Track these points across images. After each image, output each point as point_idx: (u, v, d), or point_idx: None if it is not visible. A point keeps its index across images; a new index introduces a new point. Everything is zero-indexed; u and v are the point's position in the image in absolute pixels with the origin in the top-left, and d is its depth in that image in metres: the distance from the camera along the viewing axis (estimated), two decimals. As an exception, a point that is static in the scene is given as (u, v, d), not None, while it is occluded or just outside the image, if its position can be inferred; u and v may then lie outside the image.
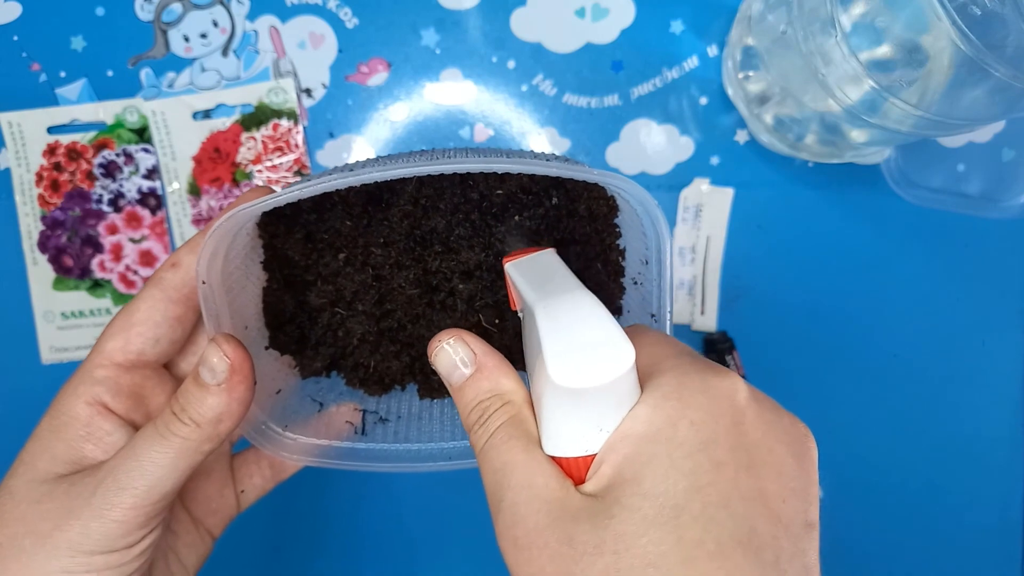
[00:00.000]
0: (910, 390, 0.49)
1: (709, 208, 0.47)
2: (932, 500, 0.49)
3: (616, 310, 0.35)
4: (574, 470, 0.23)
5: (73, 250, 0.47)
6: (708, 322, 0.47)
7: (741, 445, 0.22)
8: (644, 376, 0.24)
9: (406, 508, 0.50)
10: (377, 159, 0.30)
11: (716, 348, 0.46)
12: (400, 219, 0.34)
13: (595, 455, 0.23)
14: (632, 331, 0.26)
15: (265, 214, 0.33)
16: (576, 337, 0.23)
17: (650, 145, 0.47)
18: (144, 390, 0.29)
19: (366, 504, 0.50)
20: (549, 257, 0.29)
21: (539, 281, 0.27)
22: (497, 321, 0.35)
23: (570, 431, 0.23)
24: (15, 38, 0.46)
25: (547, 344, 0.22)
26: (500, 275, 0.35)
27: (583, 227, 0.35)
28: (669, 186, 0.47)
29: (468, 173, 0.34)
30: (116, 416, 0.28)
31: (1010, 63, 0.31)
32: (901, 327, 0.48)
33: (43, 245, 0.47)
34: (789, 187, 0.47)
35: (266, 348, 0.34)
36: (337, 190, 0.33)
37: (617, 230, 0.34)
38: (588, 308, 0.24)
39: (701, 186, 0.47)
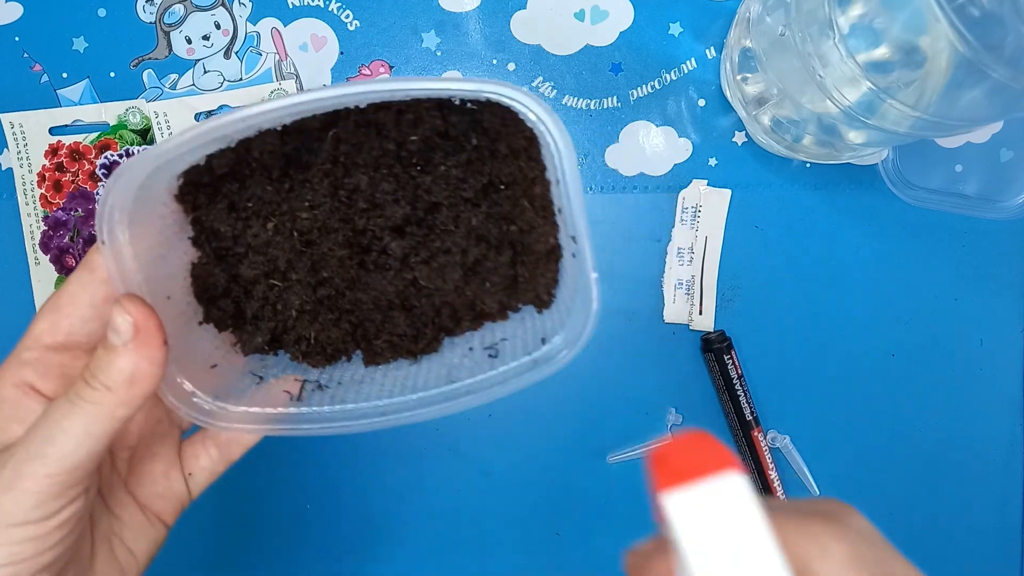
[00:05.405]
0: (908, 390, 0.49)
1: (707, 209, 0.47)
2: (931, 500, 0.49)
3: (553, 249, 0.33)
4: None
5: (76, 250, 0.47)
6: (706, 322, 0.48)
7: None
8: None
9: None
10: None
11: (713, 347, 0.46)
12: (321, 179, 0.33)
13: None
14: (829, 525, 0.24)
15: (185, 185, 0.32)
16: None
17: (649, 147, 0.47)
18: (76, 371, 0.29)
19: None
20: (740, 496, 0.20)
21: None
22: (437, 278, 0.34)
23: None
24: (16, 39, 0.46)
25: None
26: (432, 229, 0.34)
27: (508, 167, 0.33)
28: (667, 187, 0.47)
29: (379, 121, 0.32)
30: (45, 397, 0.28)
31: (1008, 64, 0.30)
32: (899, 327, 0.49)
33: (45, 245, 0.47)
34: (787, 188, 0.48)
35: (200, 323, 0.33)
36: (251, 154, 0.32)
37: (542, 163, 0.32)
38: None
39: (699, 187, 0.47)
